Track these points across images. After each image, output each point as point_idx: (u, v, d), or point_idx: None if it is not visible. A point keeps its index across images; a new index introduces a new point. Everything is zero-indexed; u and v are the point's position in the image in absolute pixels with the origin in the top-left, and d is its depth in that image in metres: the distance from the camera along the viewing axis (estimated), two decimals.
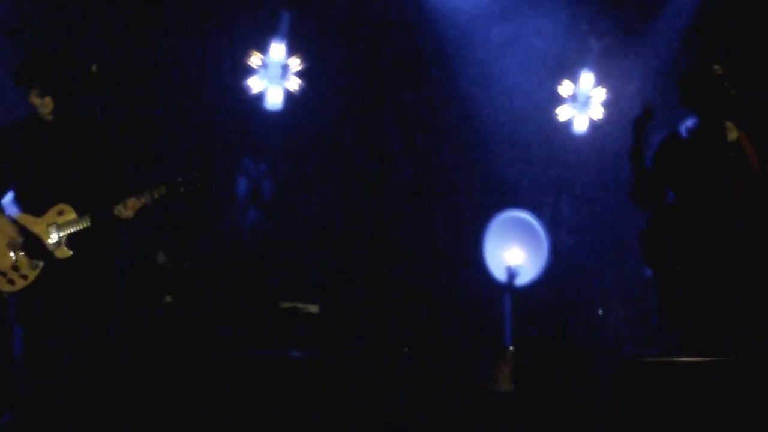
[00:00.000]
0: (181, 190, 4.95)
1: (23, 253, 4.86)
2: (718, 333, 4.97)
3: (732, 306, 5.01)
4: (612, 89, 8.80)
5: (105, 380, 5.02)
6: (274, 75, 8.09)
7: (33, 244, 4.87)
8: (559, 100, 8.83)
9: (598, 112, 8.85)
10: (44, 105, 4.92)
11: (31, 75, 4.90)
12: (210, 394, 6.01)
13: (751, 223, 5.10)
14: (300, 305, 7.11)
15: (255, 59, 8.02)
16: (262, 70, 8.06)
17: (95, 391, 4.95)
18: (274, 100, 8.13)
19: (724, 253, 5.06)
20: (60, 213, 4.91)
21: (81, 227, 4.89)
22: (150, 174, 6.89)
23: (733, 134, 5.21)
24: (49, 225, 4.90)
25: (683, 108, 5.29)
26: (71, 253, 4.88)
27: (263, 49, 8.05)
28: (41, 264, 4.87)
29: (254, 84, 8.05)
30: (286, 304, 7.11)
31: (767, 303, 5.05)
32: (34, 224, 4.90)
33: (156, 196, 4.93)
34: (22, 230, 4.86)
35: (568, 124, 8.88)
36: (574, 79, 8.81)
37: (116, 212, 4.89)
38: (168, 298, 6.77)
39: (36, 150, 4.95)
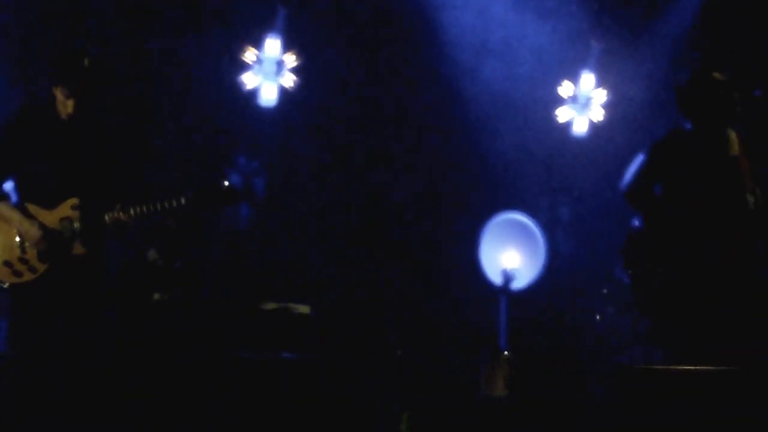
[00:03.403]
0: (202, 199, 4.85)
1: (40, 248, 4.74)
2: (708, 341, 4.86)
3: (722, 314, 4.90)
4: (613, 91, 8.73)
5: (95, 379, 4.93)
6: (268, 71, 8.00)
7: (53, 240, 4.75)
8: (558, 101, 8.75)
9: (598, 114, 8.77)
10: (66, 105, 4.82)
11: (63, 73, 4.80)
12: (200, 396, 5.97)
13: (739, 239, 4.97)
14: (291, 306, 7.04)
15: (249, 55, 7.94)
16: (256, 66, 7.97)
17: (84, 389, 4.86)
18: (269, 97, 8.05)
19: (712, 263, 4.93)
20: (74, 207, 4.79)
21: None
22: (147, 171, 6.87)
23: (735, 147, 5.08)
24: (62, 219, 4.78)
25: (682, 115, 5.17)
26: (84, 249, 4.78)
27: (258, 44, 7.97)
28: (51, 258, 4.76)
29: (248, 80, 7.97)
30: (277, 305, 7.04)
31: (756, 311, 4.95)
32: (46, 217, 4.79)
33: (151, 209, 4.81)
34: (42, 226, 4.74)
35: (567, 126, 8.81)
36: (575, 80, 8.73)
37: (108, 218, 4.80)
38: (156, 296, 6.70)
39: (51, 140, 4.84)
